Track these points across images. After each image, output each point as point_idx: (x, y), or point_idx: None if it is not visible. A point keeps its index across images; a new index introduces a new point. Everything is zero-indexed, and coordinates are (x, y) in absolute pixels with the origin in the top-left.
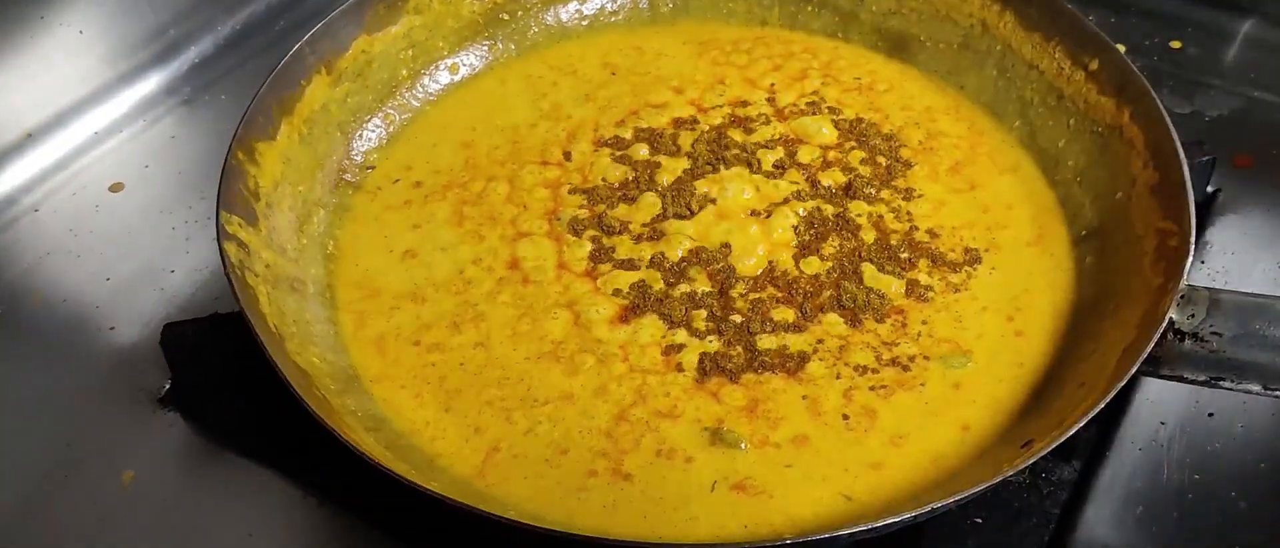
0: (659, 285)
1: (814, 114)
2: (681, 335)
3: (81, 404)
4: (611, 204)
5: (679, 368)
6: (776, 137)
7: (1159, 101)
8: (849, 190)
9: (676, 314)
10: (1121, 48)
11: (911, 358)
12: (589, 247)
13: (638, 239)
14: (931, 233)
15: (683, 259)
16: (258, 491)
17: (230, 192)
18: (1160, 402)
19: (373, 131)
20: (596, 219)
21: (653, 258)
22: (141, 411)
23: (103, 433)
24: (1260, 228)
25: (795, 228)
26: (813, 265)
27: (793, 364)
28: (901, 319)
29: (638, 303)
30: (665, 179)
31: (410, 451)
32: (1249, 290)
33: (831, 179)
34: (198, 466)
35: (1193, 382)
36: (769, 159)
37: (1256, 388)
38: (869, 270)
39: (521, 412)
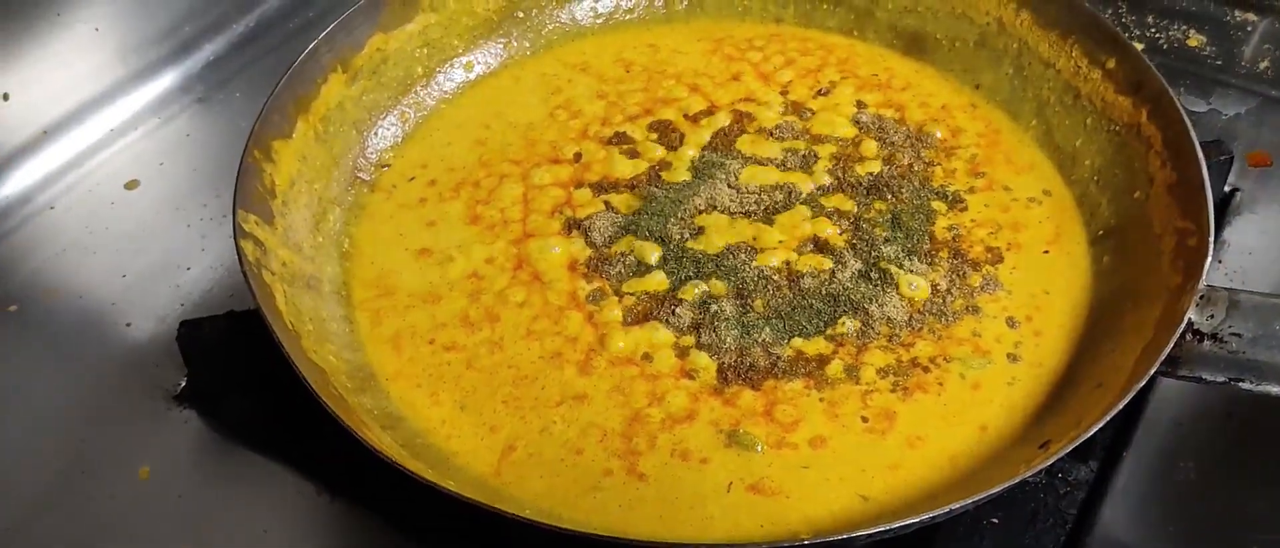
0: (672, 287)
1: (830, 111)
2: (696, 339)
3: (97, 401)
4: (623, 202)
5: (694, 371)
6: (792, 133)
7: (1176, 100)
8: (866, 188)
9: (691, 316)
10: (1138, 46)
11: (931, 359)
12: (600, 246)
13: (650, 238)
14: (950, 232)
15: (696, 259)
16: (273, 487)
17: (247, 190)
18: (1177, 402)
19: (388, 129)
20: (608, 217)
21: (665, 258)
22: (157, 407)
23: (119, 429)
24: (1278, 227)
25: (812, 226)
26: (829, 265)
27: (811, 367)
28: (921, 319)
29: (651, 305)
30: (679, 176)
31: (426, 448)
32: (1268, 291)
33: (848, 176)
34: (213, 462)
35: (1211, 383)
36: (784, 156)
37: (1276, 389)
38: (888, 270)
39: (536, 411)
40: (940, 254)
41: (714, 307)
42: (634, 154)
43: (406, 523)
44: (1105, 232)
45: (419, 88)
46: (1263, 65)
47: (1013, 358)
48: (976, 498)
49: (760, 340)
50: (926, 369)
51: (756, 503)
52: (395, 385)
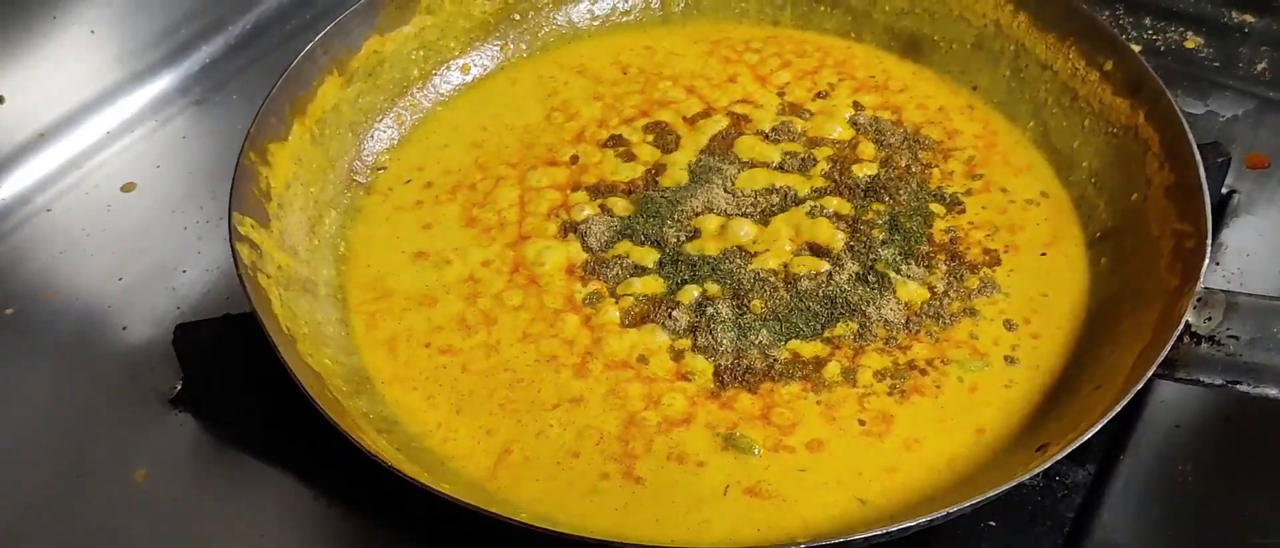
0: (669, 290)
1: (827, 113)
2: (692, 341)
3: (93, 404)
4: (620, 205)
5: (690, 374)
6: (789, 135)
7: (1174, 102)
8: (864, 190)
9: (687, 319)
10: (1136, 48)
11: (928, 362)
12: (597, 249)
13: (647, 241)
14: (948, 234)
15: (693, 262)
16: (269, 491)
17: (243, 193)
18: (1175, 404)
19: (384, 132)
20: (604, 220)
21: (662, 261)
22: (153, 410)
23: (114, 433)
24: (1276, 229)
25: (808, 228)
26: (826, 267)
27: (808, 370)
28: (918, 322)
29: (648, 308)
30: (675, 179)
31: (422, 452)
32: (1266, 293)
33: (846, 178)
34: (209, 466)
35: (1209, 385)
36: (782, 158)
37: (1273, 392)
38: (885, 272)
39: (532, 415)
40: (938, 257)
41: (710, 309)
42: (630, 157)
43: (402, 527)
44: (1103, 234)
45: (415, 90)
46: (1260, 67)
47: (1010, 360)
48: (974, 501)
49: (757, 343)
50: (924, 372)
51: (753, 506)
52: (391, 389)
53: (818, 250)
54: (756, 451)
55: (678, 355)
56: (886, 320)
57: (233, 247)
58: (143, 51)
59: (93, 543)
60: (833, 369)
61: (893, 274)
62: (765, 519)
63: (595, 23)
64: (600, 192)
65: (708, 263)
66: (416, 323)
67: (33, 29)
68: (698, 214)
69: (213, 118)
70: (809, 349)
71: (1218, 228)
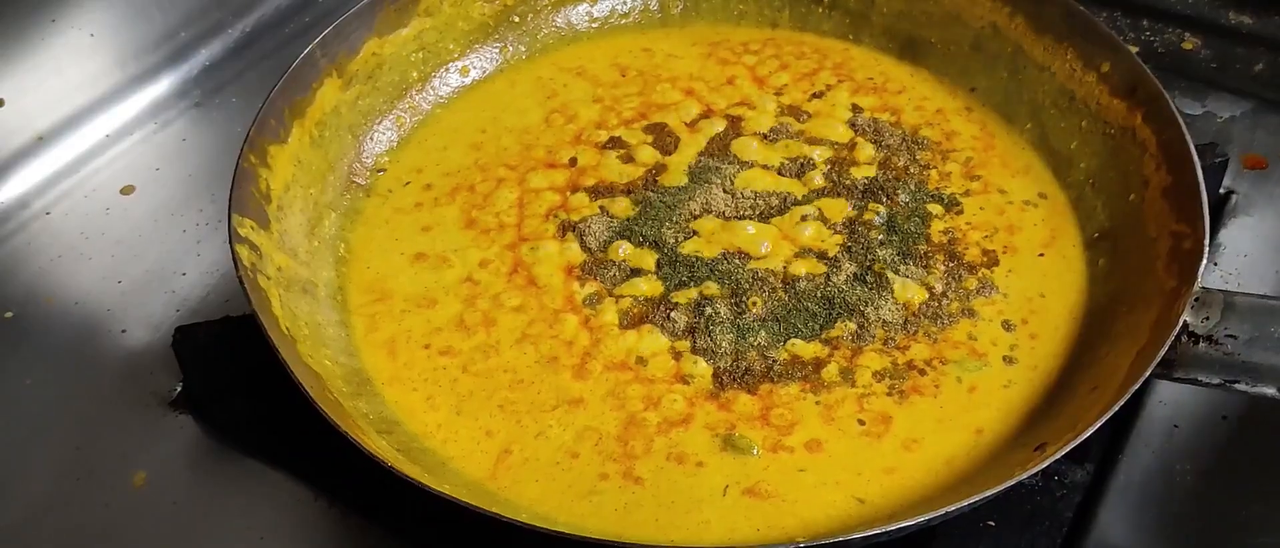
0: (668, 291)
1: (826, 115)
2: (691, 342)
3: (93, 406)
4: (619, 206)
5: (689, 376)
6: (788, 136)
7: (1171, 103)
8: (862, 191)
9: (686, 320)
10: (1133, 49)
11: (927, 362)
12: (596, 249)
13: (646, 242)
14: (946, 235)
15: (692, 263)
16: (269, 493)
17: (242, 194)
18: (1173, 404)
19: (383, 134)
20: (603, 222)
21: (661, 262)
22: (153, 413)
23: (114, 435)
24: (1273, 230)
25: (807, 230)
26: (825, 268)
27: (807, 370)
28: (917, 322)
29: (647, 309)
30: (674, 180)
31: (422, 453)
32: (1263, 293)
33: (844, 179)
34: (209, 468)
35: (1207, 385)
36: (780, 160)
37: (1271, 391)
38: (883, 273)
39: (532, 415)
40: (936, 258)
41: (709, 310)
42: (629, 159)
43: (403, 528)
44: (1100, 234)
45: (414, 92)
46: (1258, 68)
47: (1009, 361)
48: (972, 501)
49: (756, 344)
50: (922, 372)
51: (752, 506)
52: (391, 390)
53: (816, 252)
54: (755, 451)
55: (677, 356)
56: (885, 321)
57: (232, 248)
58: (142, 55)
59: (92, 546)
60: (831, 370)
61: (891, 275)
62: (764, 519)
63: (594, 25)
64: (599, 193)
65: (706, 264)
66: (416, 324)
67: (32, 32)
68: (696, 215)
69: (212, 121)
70: (808, 350)
71: (1215, 228)
